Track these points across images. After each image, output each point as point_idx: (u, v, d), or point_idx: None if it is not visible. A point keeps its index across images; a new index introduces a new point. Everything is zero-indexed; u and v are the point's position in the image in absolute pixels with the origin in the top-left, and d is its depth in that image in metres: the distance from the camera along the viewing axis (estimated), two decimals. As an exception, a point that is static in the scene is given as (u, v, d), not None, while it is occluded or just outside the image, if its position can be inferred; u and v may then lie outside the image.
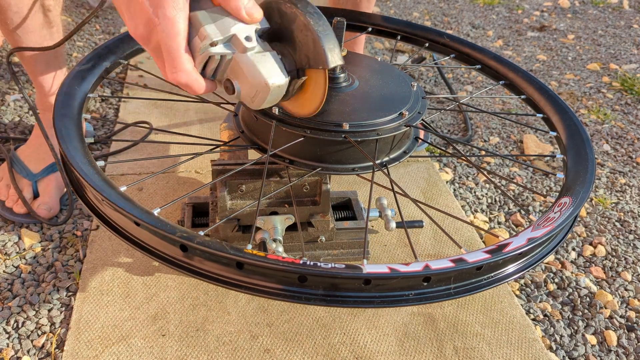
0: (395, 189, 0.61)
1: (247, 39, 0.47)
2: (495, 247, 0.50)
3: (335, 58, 0.48)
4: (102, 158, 1.09)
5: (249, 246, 0.48)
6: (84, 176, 0.52)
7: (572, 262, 0.97)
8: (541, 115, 0.79)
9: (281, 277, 0.46)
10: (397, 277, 0.46)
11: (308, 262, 0.45)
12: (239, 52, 0.47)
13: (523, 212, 1.07)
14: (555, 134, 0.74)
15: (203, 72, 0.49)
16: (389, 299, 0.47)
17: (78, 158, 0.54)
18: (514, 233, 1.03)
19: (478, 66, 0.89)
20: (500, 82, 0.86)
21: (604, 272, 0.95)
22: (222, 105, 0.76)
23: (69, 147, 0.55)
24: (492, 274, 0.50)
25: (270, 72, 0.48)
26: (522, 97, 0.83)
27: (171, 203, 0.55)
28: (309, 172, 0.69)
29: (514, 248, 0.49)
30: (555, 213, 0.56)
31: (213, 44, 0.46)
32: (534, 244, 0.51)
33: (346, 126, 0.61)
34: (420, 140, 0.73)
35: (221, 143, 0.74)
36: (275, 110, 0.62)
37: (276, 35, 0.50)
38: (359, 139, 0.61)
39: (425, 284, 0.47)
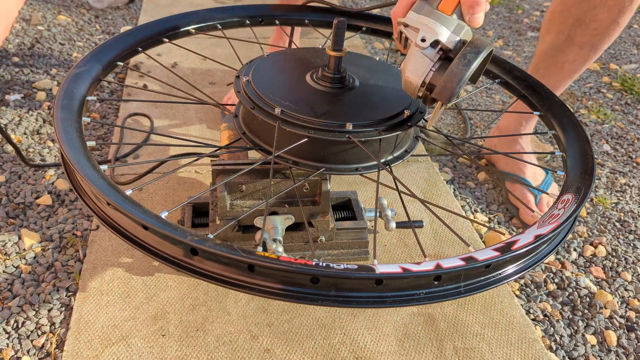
0: (401, 187, 0.61)
1: (422, 40, 0.58)
2: (504, 244, 0.50)
3: (442, 95, 0.56)
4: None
5: (260, 248, 0.48)
6: (89, 180, 0.51)
7: (572, 262, 0.97)
8: (538, 113, 0.79)
9: (293, 279, 0.46)
10: (409, 276, 0.46)
11: (320, 264, 0.45)
12: (413, 43, 0.60)
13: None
14: (553, 132, 0.74)
15: (399, 38, 0.65)
16: (401, 298, 0.47)
17: (81, 161, 0.54)
18: (514, 232, 1.03)
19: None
20: (497, 80, 0.86)
21: (604, 272, 0.95)
22: (221, 106, 0.76)
23: (72, 151, 0.55)
24: (500, 272, 0.50)
25: (413, 69, 0.59)
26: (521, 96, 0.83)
27: (179, 207, 0.55)
28: (312, 173, 0.69)
29: (523, 245, 0.50)
30: (559, 210, 0.56)
31: (405, 25, 0.61)
32: (541, 241, 0.51)
33: (349, 126, 0.61)
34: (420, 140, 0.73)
35: (223, 145, 0.74)
36: (278, 111, 0.62)
37: (449, 56, 0.59)
38: (363, 139, 0.62)
39: (436, 282, 0.48)
